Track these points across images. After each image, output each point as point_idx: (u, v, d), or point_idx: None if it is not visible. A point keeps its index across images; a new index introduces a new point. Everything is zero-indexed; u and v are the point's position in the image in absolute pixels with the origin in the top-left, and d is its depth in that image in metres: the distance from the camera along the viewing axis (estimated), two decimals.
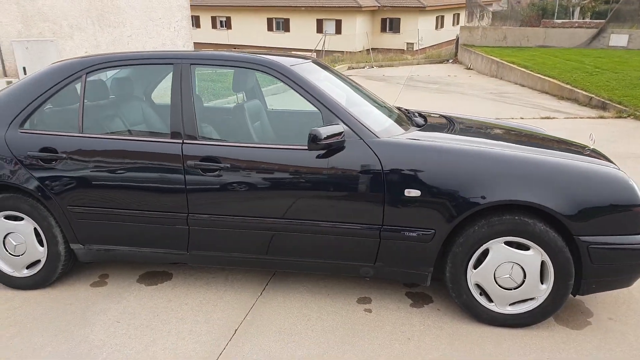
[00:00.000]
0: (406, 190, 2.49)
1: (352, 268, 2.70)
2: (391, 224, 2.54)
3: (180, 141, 2.67)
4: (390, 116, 3.06)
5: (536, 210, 2.45)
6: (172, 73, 2.76)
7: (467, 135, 2.88)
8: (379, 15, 33.11)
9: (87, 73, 2.83)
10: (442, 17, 34.33)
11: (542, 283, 2.51)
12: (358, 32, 31.71)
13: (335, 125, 2.52)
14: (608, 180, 2.45)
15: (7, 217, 2.88)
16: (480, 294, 2.59)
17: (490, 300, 2.59)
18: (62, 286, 2.98)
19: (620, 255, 2.43)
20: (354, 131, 2.57)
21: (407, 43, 31.25)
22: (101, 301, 2.82)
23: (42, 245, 2.88)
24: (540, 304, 2.53)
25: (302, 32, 32.19)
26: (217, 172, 2.62)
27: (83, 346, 2.42)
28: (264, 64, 2.72)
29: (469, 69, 16.51)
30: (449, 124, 3.18)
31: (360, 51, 28.42)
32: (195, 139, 2.67)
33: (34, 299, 2.85)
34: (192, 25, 35.90)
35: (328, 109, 2.62)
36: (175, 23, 10.32)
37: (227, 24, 34.75)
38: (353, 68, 18.67)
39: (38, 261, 2.92)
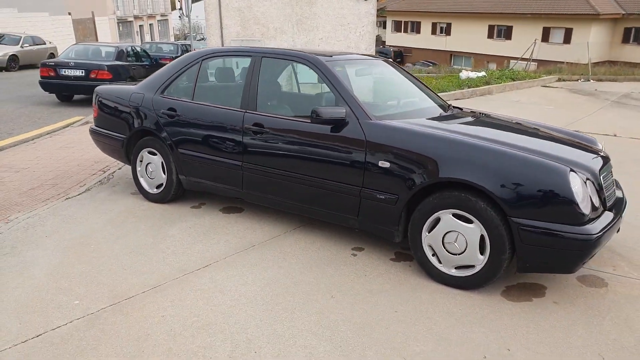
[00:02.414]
0: (380, 162, 3.18)
1: (343, 219, 3.47)
2: (368, 186, 3.25)
3: (244, 111, 3.79)
4: (424, 107, 3.87)
5: (480, 190, 2.90)
6: (249, 62, 3.89)
7: (466, 125, 3.43)
8: (622, 24, 29.72)
9: (202, 60, 4.16)
10: None
11: (481, 254, 2.94)
12: (592, 42, 28.96)
13: (338, 107, 3.33)
14: (547, 173, 2.76)
15: (150, 153, 4.38)
16: (433, 255, 3.12)
17: (440, 262, 3.10)
18: (174, 204, 4.40)
19: (549, 240, 2.73)
20: (353, 112, 3.34)
21: None
22: (189, 216, 4.14)
23: (164, 174, 4.32)
24: (477, 272, 2.96)
25: (525, 40, 30.72)
26: (262, 135, 3.67)
27: (162, 234, 3.75)
28: (304, 57, 3.67)
29: None
30: (469, 117, 3.70)
31: (586, 63, 26.11)
32: (255, 110, 3.76)
33: (154, 208, 4.32)
34: (413, 31, 37.35)
35: (339, 94, 3.44)
36: (362, 28, 11.56)
37: (447, 31, 35.18)
38: (563, 80, 17.57)
39: (162, 184, 4.37)
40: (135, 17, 35.86)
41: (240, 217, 4.12)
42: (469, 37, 33.56)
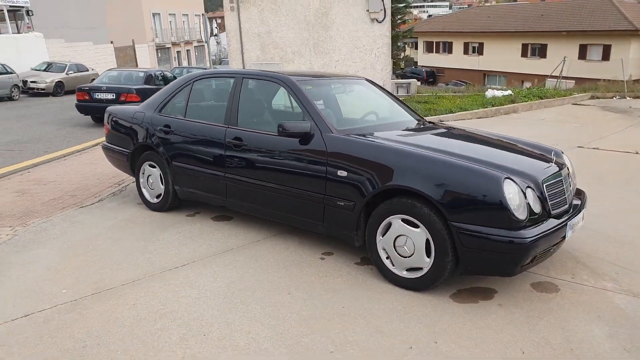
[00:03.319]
0: (339, 171, 3.48)
1: (311, 225, 3.77)
2: (329, 194, 3.55)
3: (227, 126, 4.17)
4: (394, 121, 4.22)
5: (424, 196, 3.14)
6: (232, 83, 4.29)
7: (425, 137, 3.74)
8: None
9: (194, 81, 4.60)
10: None
11: (427, 257, 3.17)
12: (632, 58, 28.24)
13: (303, 122, 3.67)
14: (482, 180, 2.99)
15: (150, 166, 4.82)
16: (387, 258, 3.37)
17: (393, 264, 3.35)
18: (172, 212, 4.81)
19: (486, 244, 2.94)
20: (317, 126, 3.67)
21: None
22: (182, 223, 4.53)
23: (162, 184, 4.75)
24: (425, 273, 3.19)
25: (561, 58, 30.34)
26: (240, 148, 4.03)
27: (154, 238, 4.15)
28: (277, 77, 4.05)
29: None
30: (434, 131, 3.98)
31: (625, 80, 25.56)
32: (236, 125, 4.14)
33: (153, 215, 4.75)
34: (445, 51, 37.46)
35: (306, 109, 3.78)
36: (377, 50, 11.92)
37: (479, 50, 35.15)
38: (597, 97, 17.24)
39: (160, 194, 4.80)
40: (173, 44, 37.65)
41: (228, 225, 4.48)
42: (502, 56, 33.42)
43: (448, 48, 38.00)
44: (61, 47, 23.69)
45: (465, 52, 36.31)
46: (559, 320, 2.92)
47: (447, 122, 12.10)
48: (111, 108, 5.35)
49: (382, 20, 11.54)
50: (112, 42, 28.64)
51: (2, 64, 16.57)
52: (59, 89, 18.46)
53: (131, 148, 4.92)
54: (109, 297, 3.13)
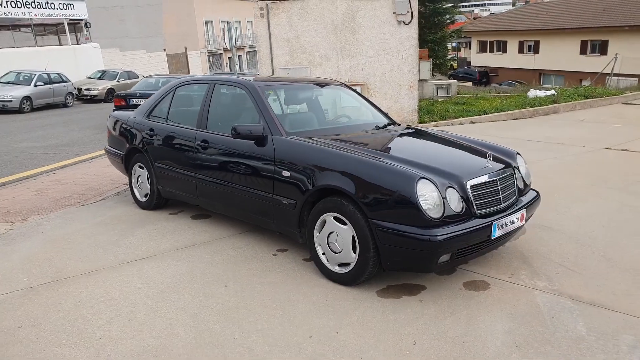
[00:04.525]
0: (283, 172, 3.66)
1: (265, 222, 3.96)
2: (276, 193, 3.73)
3: (197, 130, 4.44)
4: (355, 124, 4.36)
5: (349, 195, 3.26)
6: (206, 89, 4.56)
7: (373, 139, 3.90)
8: None
9: (176, 88, 4.91)
10: None
11: (354, 252, 3.29)
12: None
13: (256, 125, 3.87)
14: (397, 179, 3.08)
15: (140, 167, 5.19)
16: (323, 254, 3.51)
17: (327, 260, 3.48)
18: (157, 210, 5.14)
19: (400, 240, 3.04)
20: (270, 129, 3.86)
21: None
22: (162, 220, 4.84)
23: (149, 184, 5.09)
24: (352, 269, 3.31)
25: (622, 54, 28.74)
26: (207, 150, 4.29)
27: (129, 233, 4.48)
28: (241, 82, 4.27)
29: None
30: (390, 133, 4.09)
31: None
32: (205, 129, 4.41)
33: (139, 213, 5.10)
34: (499, 51, 36.36)
35: (261, 112, 3.97)
36: (404, 52, 11.90)
37: (535, 49, 33.90)
38: None
39: (147, 194, 5.15)
40: (225, 50, 38.81)
41: (203, 222, 4.75)
42: (559, 55, 32.06)
43: (502, 47, 36.92)
44: (116, 56, 25.29)
45: (520, 51, 35.13)
46: (469, 316, 2.95)
47: (480, 123, 11.99)
48: (113, 113, 5.78)
49: (409, 22, 11.53)
50: (164, 50, 30.14)
51: (58, 73, 17.90)
52: (110, 96, 19.68)
53: (124, 150, 5.30)
54: (61, 285, 3.46)
